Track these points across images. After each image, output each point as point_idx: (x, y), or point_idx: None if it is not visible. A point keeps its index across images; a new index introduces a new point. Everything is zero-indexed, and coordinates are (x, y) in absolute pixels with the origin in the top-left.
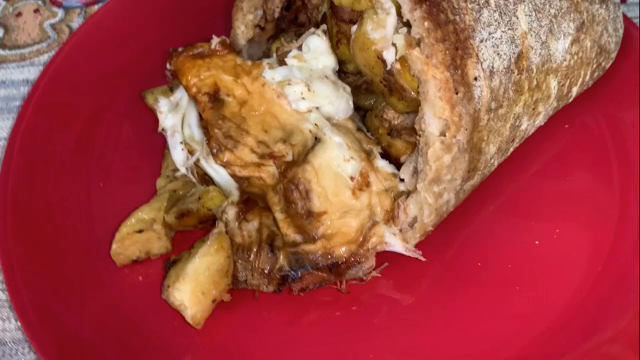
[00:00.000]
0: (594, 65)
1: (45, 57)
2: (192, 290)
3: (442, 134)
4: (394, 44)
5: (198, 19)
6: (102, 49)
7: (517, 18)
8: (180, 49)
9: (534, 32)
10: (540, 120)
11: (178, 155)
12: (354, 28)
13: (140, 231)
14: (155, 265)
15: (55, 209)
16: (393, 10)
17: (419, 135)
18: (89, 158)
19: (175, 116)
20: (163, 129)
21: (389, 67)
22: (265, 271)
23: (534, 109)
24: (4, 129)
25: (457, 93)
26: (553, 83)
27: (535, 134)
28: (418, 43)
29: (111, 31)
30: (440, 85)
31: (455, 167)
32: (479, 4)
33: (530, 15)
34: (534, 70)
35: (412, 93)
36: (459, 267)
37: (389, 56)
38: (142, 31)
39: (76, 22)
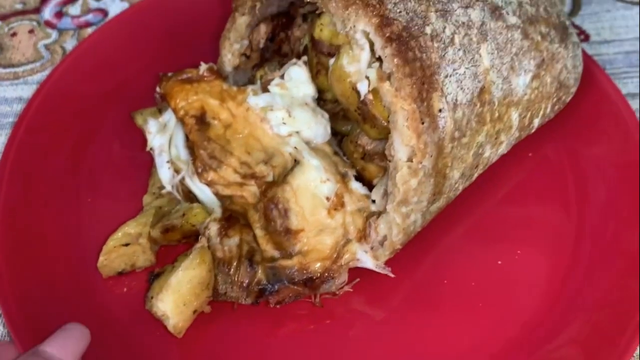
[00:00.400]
0: (554, 99)
1: (38, 76)
2: (175, 301)
3: (409, 159)
4: (367, 77)
5: (187, 45)
6: (95, 70)
7: (480, 56)
8: (170, 74)
9: (496, 68)
10: (503, 149)
11: (164, 173)
12: (332, 61)
13: (126, 244)
14: (139, 277)
15: (45, 223)
16: (367, 47)
17: (389, 161)
18: (79, 175)
19: (163, 137)
20: (151, 148)
21: (362, 97)
22: (244, 284)
23: (496, 138)
24: None
25: (423, 123)
26: (514, 115)
27: (501, 161)
28: (388, 77)
29: (104, 54)
30: (408, 116)
31: (422, 190)
32: (444, 43)
33: (492, 54)
34: (496, 103)
35: (383, 122)
36: (427, 285)
37: (363, 88)
38: (133, 55)
39: (69, 43)
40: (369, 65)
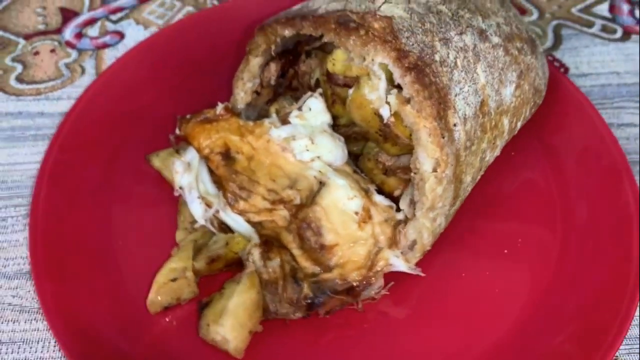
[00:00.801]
0: (532, 103)
1: (58, 93)
2: (233, 325)
3: (434, 170)
4: (387, 102)
5: (205, 73)
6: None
7: (477, 74)
8: (188, 116)
9: (490, 83)
10: (497, 152)
11: (197, 209)
12: (351, 91)
13: (174, 279)
14: (183, 309)
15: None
16: (383, 76)
17: (414, 173)
18: (110, 224)
19: (190, 175)
20: (180, 187)
21: (385, 120)
22: (293, 300)
23: (494, 143)
24: (20, 155)
25: (443, 137)
26: (505, 121)
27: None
28: (408, 101)
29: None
30: (430, 132)
31: (445, 196)
32: (450, 67)
33: (485, 71)
34: (492, 113)
35: (406, 139)
36: (417, 299)
37: (385, 112)
38: (145, 101)
39: (88, 62)
40: (387, 92)
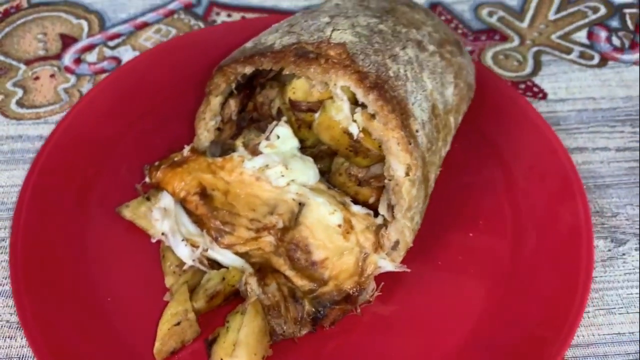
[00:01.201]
0: (467, 98)
1: (57, 117)
2: (248, 354)
3: (407, 174)
4: (354, 120)
5: (161, 129)
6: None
7: (425, 82)
8: (156, 163)
9: (435, 88)
10: (448, 147)
11: (183, 251)
12: (316, 115)
13: (178, 324)
14: (186, 350)
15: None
16: (345, 98)
17: (389, 180)
18: (94, 279)
19: (169, 220)
20: (163, 233)
21: (355, 137)
22: (298, 319)
23: (446, 140)
24: (19, 177)
25: (410, 144)
26: (452, 119)
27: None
28: (373, 116)
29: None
30: (399, 141)
31: (419, 195)
32: (403, 80)
33: (430, 78)
34: (442, 114)
35: (376, 151)
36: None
37: (354, 130)
38: (114, 132)
39: (86, 87)
40: (353, 112)
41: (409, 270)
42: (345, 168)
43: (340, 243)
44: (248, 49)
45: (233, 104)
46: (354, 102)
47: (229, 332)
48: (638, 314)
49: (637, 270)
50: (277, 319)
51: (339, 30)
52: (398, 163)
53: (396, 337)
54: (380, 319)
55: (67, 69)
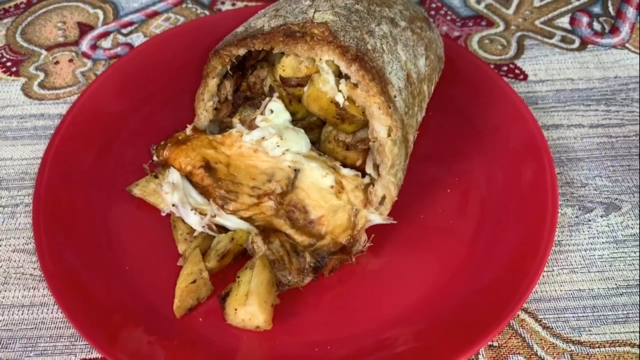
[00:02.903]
0: (438, 69)
1: (75, 97)
2: (259, 302)
3: (389, 135)
4: (339, 91)
5: (165, 109)
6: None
7: (399, 54)
8: (162, 142)
9: (409, 59)
10: (423, 113)
11: (193, 219)
12: (305, 88)
13: (193, 282)
14: (203, 306)
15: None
16: (330, 71)
17: (373, 141)
18: (112, 250)
19: (178, 192)
20: (173, 205)
21: (342, 105)
22: (301, 269)
23: (421, 106)
24: (41, 151)
25: (390, 108)
26: (425, 87)
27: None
28: (356, 85)
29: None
30: (380, 106)
31: (400, 154)
32: (380, 53)
33: (403, 50)
34: (416, 83)
35: (360, 117)
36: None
37: (340, 99)
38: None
39: (101, 71)
40: (338, 83)
41: (395, 222)
42: (333, 135)
43: (333, 202)
44: (240, 33)
45: (228, 85)
46: (338, 75)
47: (240, 286)
48: (599, 272)
49: (600, 235)
50: (283, 271)
51: (320, 11)
52: (380, 125)
53: (387, 284)
54: (373, 269)
55: (84, 54)
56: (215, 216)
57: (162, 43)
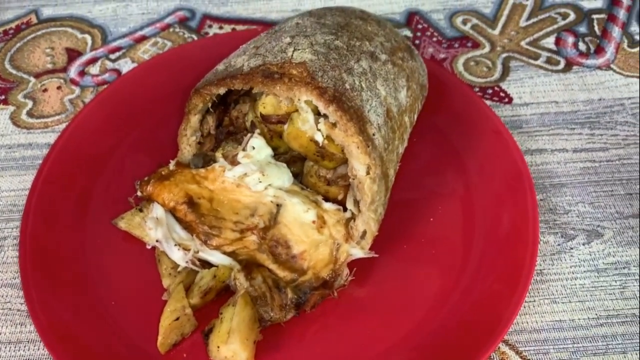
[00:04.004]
0: (421, 97)
1: (63, 126)
2: (241, 339)
3: (368, 173)
4: (319, 130)
5: (150, 142)
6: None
7: (378, 89)
8: (146, 178)
9: (389, 93)
10: (405, 143)
11: (177, 254)
12: (285, 126)
13: (177, 319)
14: (187, 342)
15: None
16: (309, 110)
17: (353, 179)
18: (97, 285)
19: (162, 228)
20: (157, 240)
21: (320, 144)
22: (282, 305)
23: (402, 138)
24: (29, 182)
25: (368, 147)
26: (406, 118)
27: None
28: (335, 125)
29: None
30: (358, 145)
31: (380, 190)
32: (358, 91)
33: (383, 85)
34: (396, 117)
35: (339, 155)
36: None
37: (319, 138)
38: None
39: (89, 98)
40: (317, 122)
41: (377, 255)
42: (315, 170)
43: (315, 237)
44: (220, 72)
45: (210, 120)
46: (317, 113)
47: (223, 323)
48: (580, 302)
49: (582, 263)
50: (265, 307)
51: (299, 50)
52: (359, 164)
53: (371, 316)
54: (356, 301)
55: (72, 81)
56: (198, 252)
57: (148, 71)
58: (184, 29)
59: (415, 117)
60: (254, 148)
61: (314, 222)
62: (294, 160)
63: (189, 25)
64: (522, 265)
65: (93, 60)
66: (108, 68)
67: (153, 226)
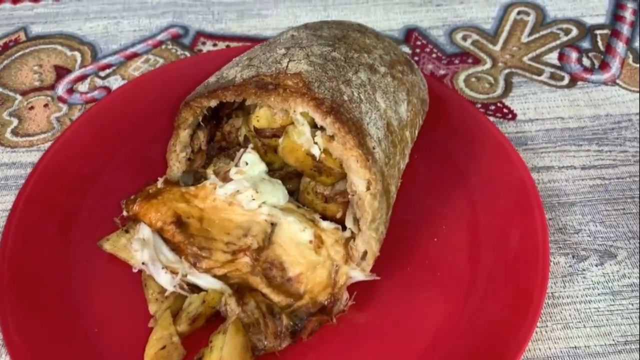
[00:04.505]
0: (422, 112)
1: (49, 145)
2: None
3: (368, 188)
4: (315, 143)
5: (138, 160)
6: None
7: (378, 102)
8: (132, 197)
9: (389, 107)
10: (406, 159)
11: (163, 278)
12: (280, 140)
13: (163, 347)
14: None
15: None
16: (306, 122)
17: (352, 195)
18: (79, 312)
19: (148, 250)
20: (143, 263)
21: (317, 158)
22: (277, 333)
23: (403, 153)
24: (11, 203)
25: (368, 160)
26: (407, 133)
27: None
28: (332, 137)
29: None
30: (358, 159)
31: (381, 207)
32: (357, 103)
33: (383, 97)
34: (397, 131)
35: (338, 169)
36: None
37: (316, 151)
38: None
39: (77, 116)
40: (313, 135)
41: (378, 278)
42: (312, 187)
43: (312, 258)
44: (211, 84)
45: (202, 135)
46: (314, 126)
47: (212, 351)
48: (595, 327)
49: (596, 286)
50: (258, 335)
51: (294, 61)
52: (359, 179)
53: (373, 343)
54: (357, 327)
55: (60, 99)
56: (187, 275)
57: (137, 88)
58: (176, 46)
59: (417, 132)
60: (247, 164)
61: (311, 241)
62: (289, 177)
63: (182, 43)
64: (532, 289)
65: (82, 78)
66: (97, 85)
67: (139, 247)
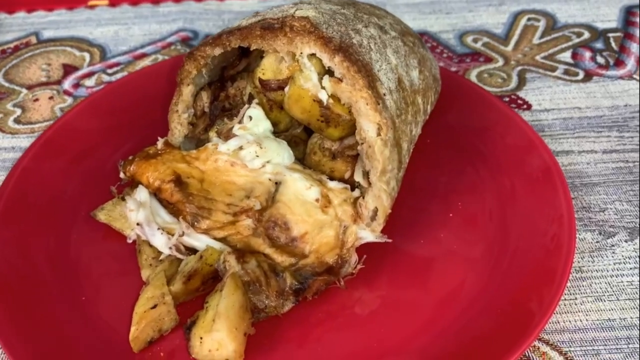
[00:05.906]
0: (434, 89)
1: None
2: (228, 327)
3: (378, 134)
4: (323, 87)
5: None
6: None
7: (389, 56)
8: (130, 157)
9: (400, 64)
10: (419, 129)
11: (159, 239)
12: (286, 89)
13: (154, 306)
14: (168, 340)
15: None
16: (313, 68)
17: (362, 143)
18: (70, 278)
19: (144, 210)
20: (138, 223)
21: (325, 103)
22: (280, 292)
23: (415, 118)
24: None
25: (379, 104)
26: (419, 100)
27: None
28: (341, 80)
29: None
30: (367, 101)
31: (392, 158)
32: (366, 49)
33: (394, 55)
34: (408, 90)
35: (347, 116)
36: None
37: (323, 96)
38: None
39: None
40: (321, 78)
41: (390, 240)
42: (318, 145)
43: (319, 217)
44: (216, 34)
45: (205, 96)
46: (322, 71)
47: (208, 311)
48: (630, 300)
49: (627, 260)
50: (259, 295)
51: (302, 9)
52: (369, 123)
53: (382, 320)
54: (366, 302)
55: (66, 92)
56: (183, 234)
57: (141, 77)
58: (186, 47)
59: (429, 108)
60: (251, 119)
61: (317, 200)
62: (295, 142)
63: (192, 45)
64: (557, 258)
65: (89, 75)
66: (104, 81)
67: (135, 207)
